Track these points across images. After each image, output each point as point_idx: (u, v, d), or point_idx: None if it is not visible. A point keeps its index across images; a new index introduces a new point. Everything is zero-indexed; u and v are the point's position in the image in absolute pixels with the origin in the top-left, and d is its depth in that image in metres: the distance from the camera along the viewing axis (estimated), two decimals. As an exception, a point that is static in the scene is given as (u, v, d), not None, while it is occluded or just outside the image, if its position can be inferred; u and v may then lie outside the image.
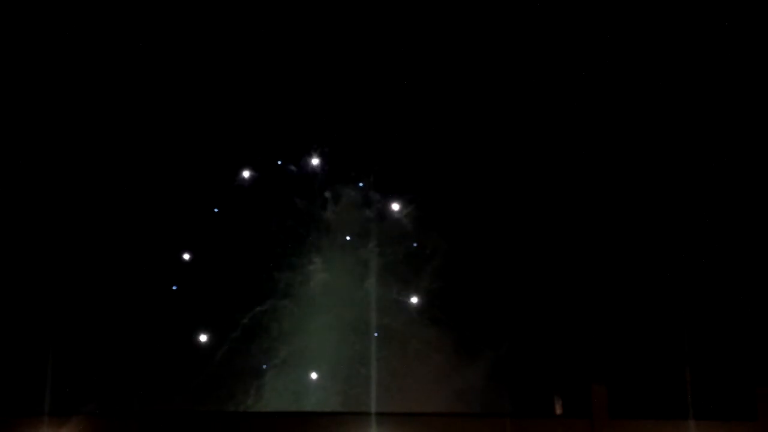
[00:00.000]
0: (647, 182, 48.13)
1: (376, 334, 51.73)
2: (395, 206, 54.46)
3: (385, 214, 54.80)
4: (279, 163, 54.94)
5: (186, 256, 53.38)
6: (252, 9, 52.50)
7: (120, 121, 52.39)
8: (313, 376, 52.52)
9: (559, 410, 40.91)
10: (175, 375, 51.15)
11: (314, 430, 38.79)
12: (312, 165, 55.29)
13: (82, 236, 51.54)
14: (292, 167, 55.26)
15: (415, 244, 54.44)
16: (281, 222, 55.31)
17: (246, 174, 54.79)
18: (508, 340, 48.63)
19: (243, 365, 53.69)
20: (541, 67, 50.87)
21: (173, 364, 51.53)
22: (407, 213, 54.51)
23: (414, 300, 53.44)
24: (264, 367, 52.18)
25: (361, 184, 55.06)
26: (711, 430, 36.56)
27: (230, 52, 52.54)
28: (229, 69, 52.79)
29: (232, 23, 52.44)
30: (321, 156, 55.18)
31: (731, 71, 47.78)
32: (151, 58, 52.09)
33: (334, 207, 55.87)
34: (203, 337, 52.13)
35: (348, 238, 55.39)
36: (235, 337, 53.83)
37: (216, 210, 54.01)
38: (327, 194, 55.36)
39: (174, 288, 52.45)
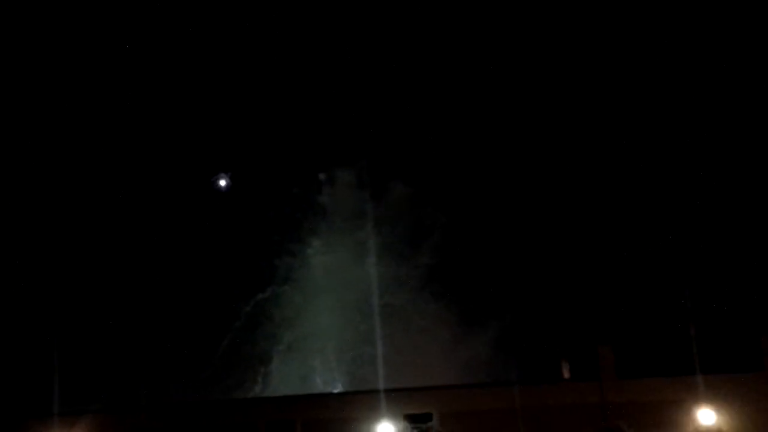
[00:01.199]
0: (645, 156, 48.45)
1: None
2: (391, 184, 54.52)
3: (381, 192, 54.86)
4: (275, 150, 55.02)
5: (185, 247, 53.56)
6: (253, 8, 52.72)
7: (124, 114, 52.71)
8: None
9: (566, 374, 40.94)
10: (182, 366, 51.37)
11: (324, 412, 38.67)
12: (306, 149, 55.28)
13: (84, 231, 51.76)
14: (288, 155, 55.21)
15: (413, 220, 54.68)
16: (278, 208, 55.41)
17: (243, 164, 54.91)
18: (512, 306, 48.76)
19: (249, 353, 53.90)
20: (536, 56, 50.95)
21: (179, 356, 51.76)
22: (404, 189, 54.56)
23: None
24: None
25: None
26: (718, 383, 36.51)
27: (227, 46, 52.72)
28: (226, 60, 52.98)
29: (233, 21, 52.64)
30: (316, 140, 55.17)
31: (731, 71, 47.85)
32: (155, 59, 52.44)
33: (330, 190, 55.95)
34: None
35: (343, 220, 55.62)
36: (239, 326, 53.97)
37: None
38: (322, 177, 55.46)
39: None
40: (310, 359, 54.35)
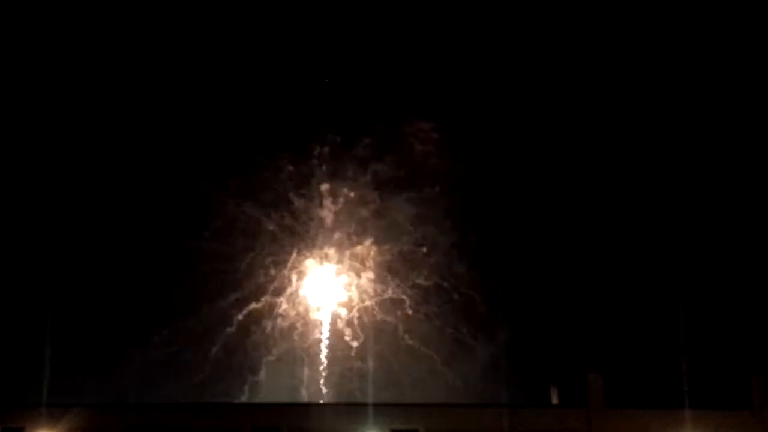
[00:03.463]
0: (643, 176, 48.65)
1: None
2: (395, 202, 54.65)
3: (384, 210, 54.99)
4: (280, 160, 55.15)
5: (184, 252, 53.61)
6: (252, 11, 53.06)
7: (131, 116, 53.00)
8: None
9: (555, 400, 40.98)
10: (173, 369, 51.35)
11: (311, 421, 38.62)
12: (311, 162, 55.44)
13: (80, 230, 51.87)
14: (291, 166, 55.33)
15: (412, 240, 54.78)
16: (279, 219, 55.53)
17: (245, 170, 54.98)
18: (504, 329, 48.80)
19: (239, 361, 53.89)
20: (541, 63, 51.32)
21: (170, 358, 51.74)
22: (407, 208, 54.68)
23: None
24: None
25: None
26: (706, 419, 36.55)
27: (234, 51, 53.03)
28: (230, 67, 53.28)
29: (234, 23, 52.96)
30: (319, 153, 55.35)
31: (731, 71, 48.22)
32: (158, 62, 52.75)
33: (332, 204, 56.08)
34: None
35: (344, 235, 55.72)
36: (230, 333, 53.96)
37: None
38: (324, 191, 55.58)
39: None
40: (299, 371, 54.33)
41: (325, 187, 55.32)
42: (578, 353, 41.89)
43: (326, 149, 55.05)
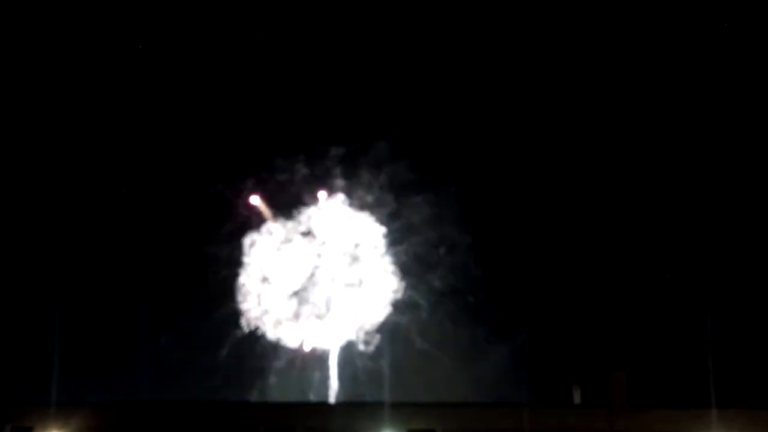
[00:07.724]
0: (664, 171, 48.13)
1: None
2: (411, 203, 54.16)
3: (398, 211, 54.50)
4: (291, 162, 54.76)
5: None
6: (256, 12, 52.84)
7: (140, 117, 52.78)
8: None
9: (577, 399, 40.38)
10: (183, 373, 50.87)
11: (325, 421, 38.21)
12: (325, 164, 55.02)
13: (91, 231, 51.51)
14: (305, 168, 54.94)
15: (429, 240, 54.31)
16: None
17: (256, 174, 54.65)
18: (526, 328, 48.22)
19: (248, 365, 53.42)
20: (545, 65, 51.03)
21: (179, 363, 51.27)
22: (423, 209, 54.19)
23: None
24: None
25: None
26: (733, 418, 36.02)
27: (249, 51, 52.87)
28: (246, 67, 53.08)
29: (238, 24, 52.74)
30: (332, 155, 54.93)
31: (731, 71, 47.91)
32: (172, 60, 52.61)
33: (346, 206, 55.68)
34: None
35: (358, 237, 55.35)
36: (239, 337, 53.56)
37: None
38: (340, 184, 55.17)
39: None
40: (309, 375, 53.87)
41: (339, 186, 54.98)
42: (601, 351, 41.42)
43: (342, 150, 54.53)
